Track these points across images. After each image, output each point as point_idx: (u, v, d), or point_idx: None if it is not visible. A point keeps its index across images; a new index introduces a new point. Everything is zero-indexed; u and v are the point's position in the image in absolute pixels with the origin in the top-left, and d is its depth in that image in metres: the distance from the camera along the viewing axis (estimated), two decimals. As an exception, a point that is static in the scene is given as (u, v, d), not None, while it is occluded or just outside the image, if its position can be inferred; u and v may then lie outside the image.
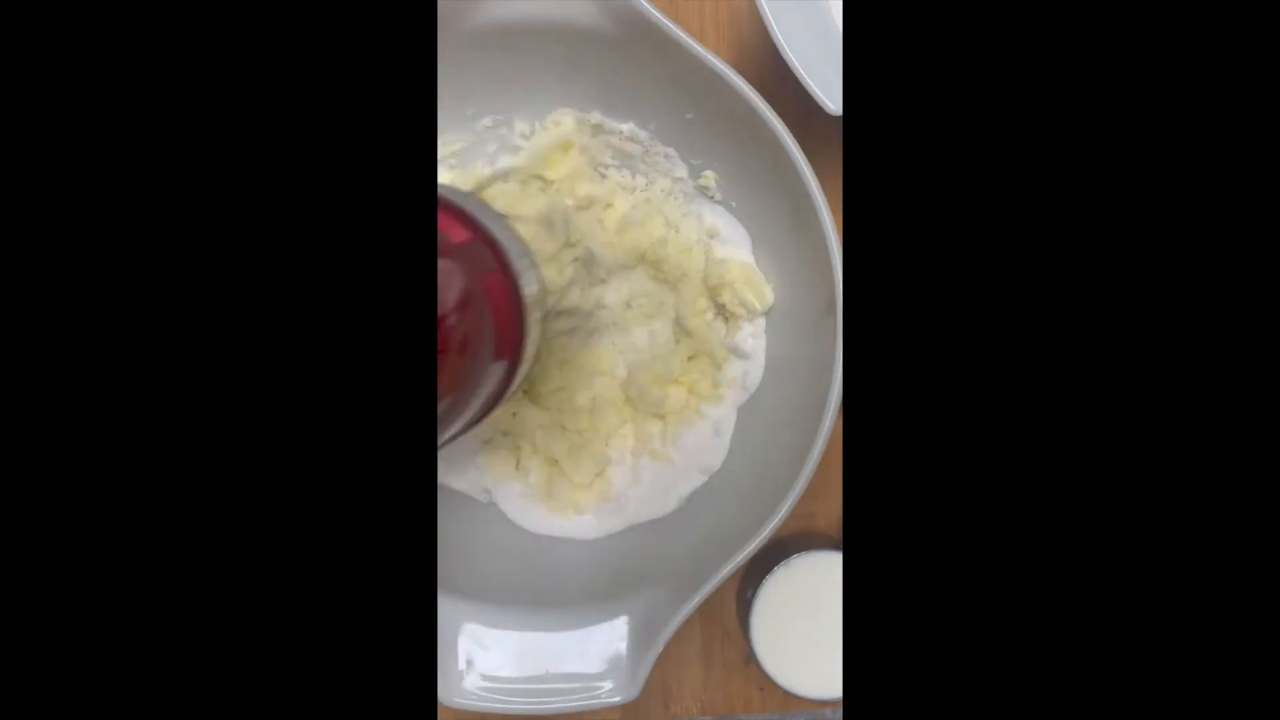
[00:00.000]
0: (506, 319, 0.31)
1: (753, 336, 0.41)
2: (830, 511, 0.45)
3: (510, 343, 0.32)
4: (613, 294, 0.41)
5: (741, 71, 0.34)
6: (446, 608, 0.36)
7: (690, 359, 0.42)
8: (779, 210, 0.37)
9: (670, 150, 0.40)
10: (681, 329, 0.41)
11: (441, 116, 0.39)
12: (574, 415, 0.41)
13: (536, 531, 0.41)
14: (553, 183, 0.41)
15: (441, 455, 0.40)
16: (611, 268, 0.41)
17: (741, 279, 0.40)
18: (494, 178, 0.40)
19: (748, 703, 0.46)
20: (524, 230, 0.36)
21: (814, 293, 0.36)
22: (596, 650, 0.35)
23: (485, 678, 0.34)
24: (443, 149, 0.41)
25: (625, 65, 0.37)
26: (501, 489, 0.42)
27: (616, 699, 0.34)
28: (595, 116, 0.40)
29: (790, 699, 0.44)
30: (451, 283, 0.28)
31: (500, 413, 0.38)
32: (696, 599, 0.33)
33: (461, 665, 0.35)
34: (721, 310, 0.41)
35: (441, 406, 0.28)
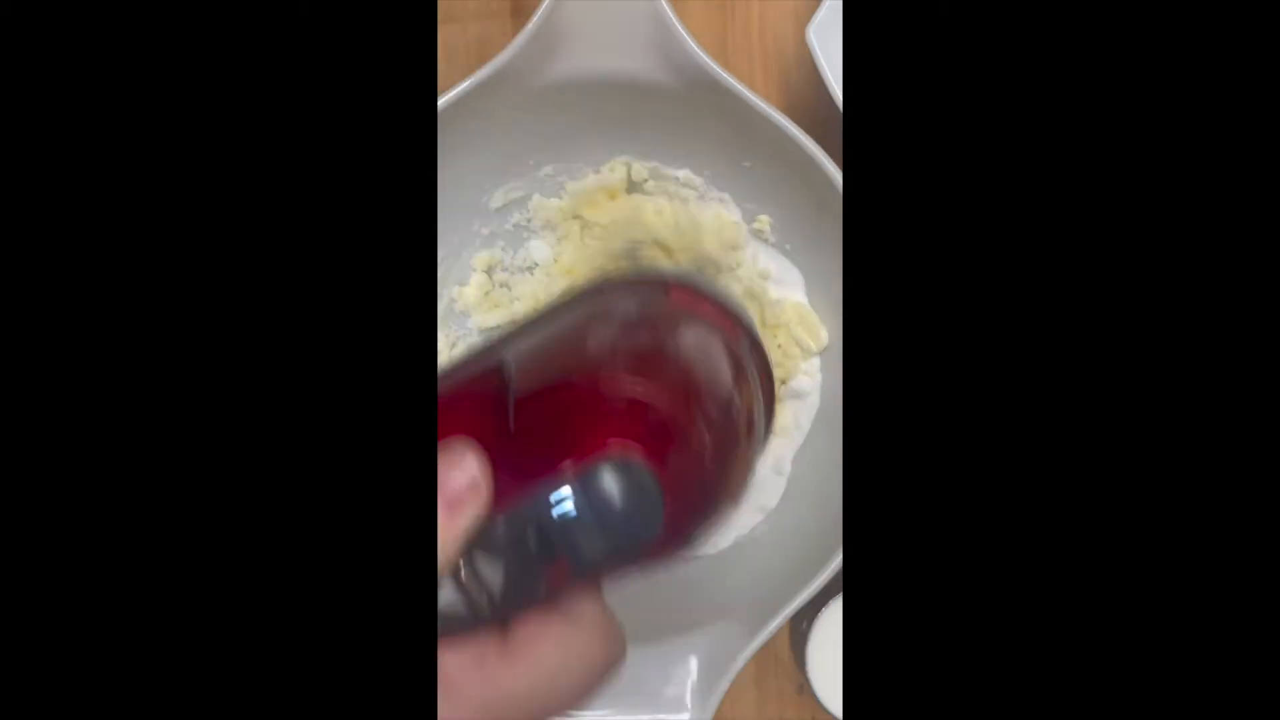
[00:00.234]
0: (768, 391, 0.31)
1: (807, 375, 0.42)
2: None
3: (769, 412, 0.32)
4: None
5: (791, 114, 0.36)
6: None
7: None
8: (833, 251, 0.39)
9: (725, 195, 0.41)
10: None
11: (504, 166, 0.41)
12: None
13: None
14: (591, 225, 0.43)
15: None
16: None
17: (796, 319, 0.41)
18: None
19: (801, 730, 0.47)
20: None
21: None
22: (665, 683, 0.36)
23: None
24: (505, 195, 0.42)
25: (683, 116, 0.38)
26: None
27: None
28: (651, 163, 0.41)
29: (844, 728, 0.44)
30: (723, 365, 0.28)
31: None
32: (765, 633, 0.34)
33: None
34: (777, 351, 0.42)
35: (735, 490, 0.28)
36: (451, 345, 0.44)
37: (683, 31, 0.35)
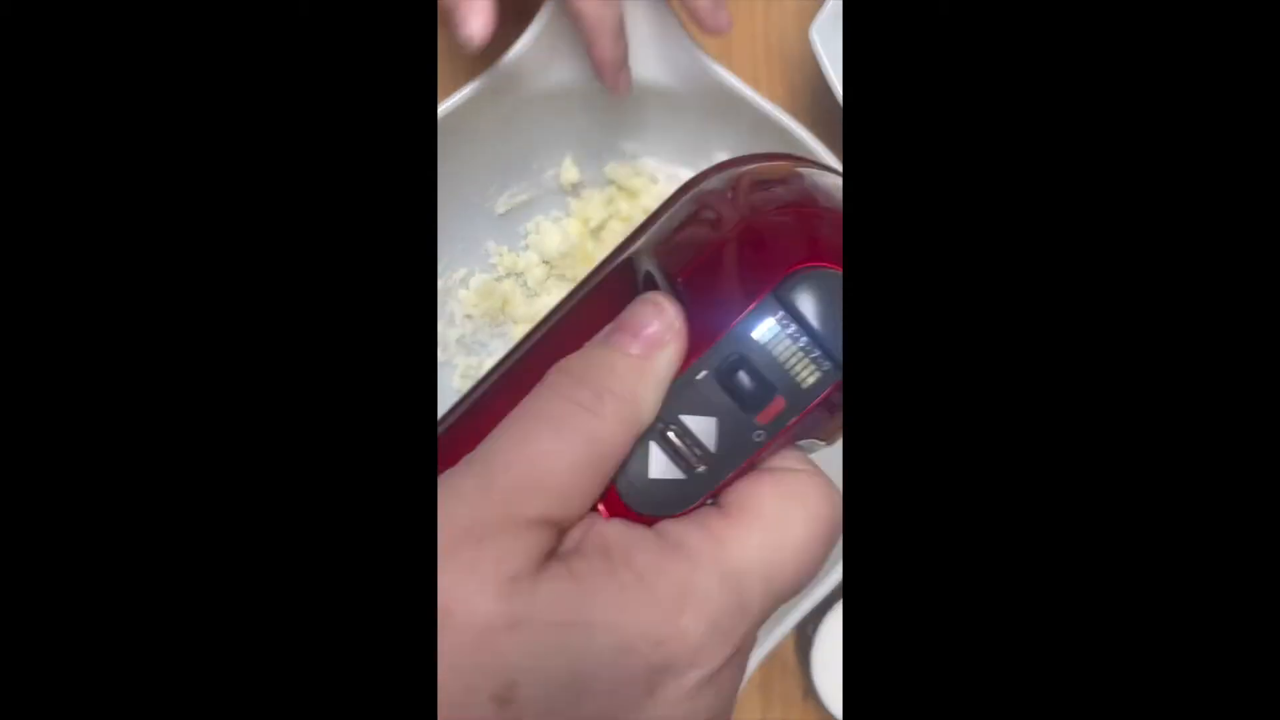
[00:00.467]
0: None
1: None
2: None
3: None
4: None
5: (795, 114, 0.36)
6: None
7: None
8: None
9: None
10: None
11: (509, 170, 0.41)
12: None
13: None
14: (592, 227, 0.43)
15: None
16: None
17: None
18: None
19: (806, 735, 0.46)
20: None
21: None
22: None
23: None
24: (509, 199, 0.42)
25: (687, 117, 0.38)
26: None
27: None
28: (649, 164, 0.41)
29: (849, 732, 0.44)
30: None
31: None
32: (774, 637, 0.34)
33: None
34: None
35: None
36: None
37: (685, 33, 0.35)
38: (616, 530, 0.21)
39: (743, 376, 0.22)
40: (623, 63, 0.34)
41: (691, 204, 0.27)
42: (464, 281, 0.43)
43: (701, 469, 0.22)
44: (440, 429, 0.26)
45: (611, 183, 0.43)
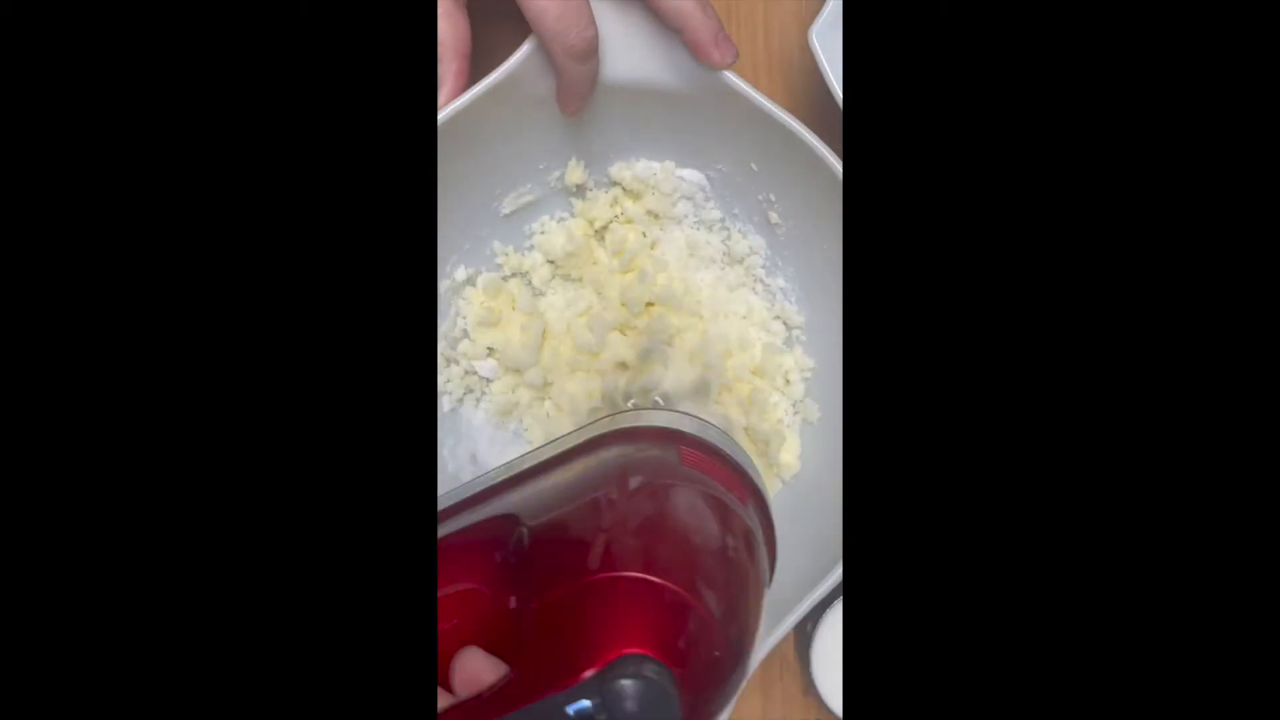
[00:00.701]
0: (770, 544, 0.31)
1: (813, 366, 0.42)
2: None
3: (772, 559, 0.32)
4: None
5: (794, 116, 0.36)
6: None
7: (754, 372, 0.44)
8: (835, 253, 0.39)
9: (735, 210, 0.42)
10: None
11: (515, 170, 0.41)
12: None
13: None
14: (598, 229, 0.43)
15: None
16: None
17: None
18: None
19: (806, 732, 0.47)
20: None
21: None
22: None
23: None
24: (515, 200, 0.43)
25: (691, 120, 0.38)
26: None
27: None
28: (653, 166, 0.42)
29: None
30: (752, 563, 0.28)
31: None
32: (777, 634, 0.34)
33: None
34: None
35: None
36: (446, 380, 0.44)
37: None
38: None
39: None
40: (589, 91, 0.36)
41: (587, 470, 0.30)
42: (471, 280, 0.44)
43: None
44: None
45: (616, 184, 0.43)
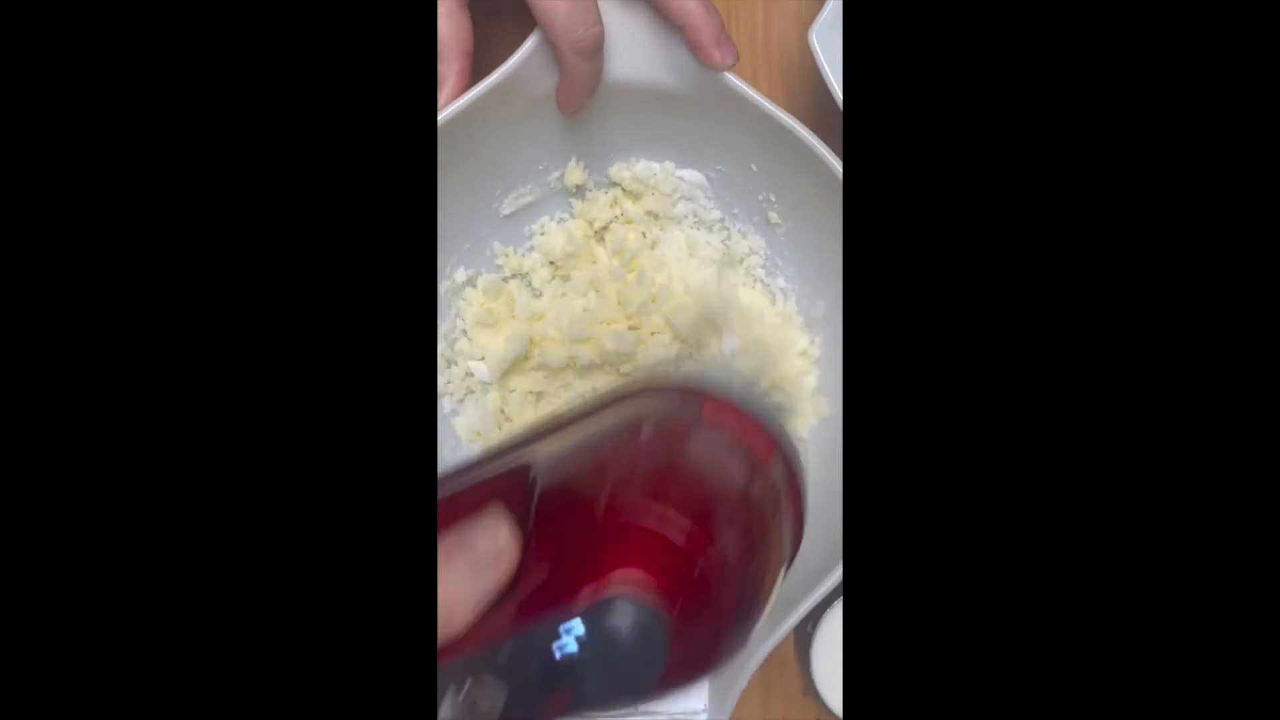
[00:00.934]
0: (797, 515, 0.31)
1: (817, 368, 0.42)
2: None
3: (797, 543, 0.31)
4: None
5: (794, 116, 0.36)
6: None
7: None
8: (835, 254, 0.39)
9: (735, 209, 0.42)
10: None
11: (516, 170, 0.41)
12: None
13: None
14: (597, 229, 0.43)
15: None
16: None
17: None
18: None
19: (806, 733, 0.47)
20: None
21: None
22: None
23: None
24: (515, 200, 0.43)
25: (691, 120, 0.38)
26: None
27: None
28: (653, 167, 0.42)
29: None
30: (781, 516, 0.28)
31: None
32: (781, 631, 0.35)
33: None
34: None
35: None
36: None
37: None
38: None
39: (537, 669, 0.24)
40: (589, 93, 0.36)
41: (607, 422, 0.30)
42: (471, 281, 0.44)
43: None
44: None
45: (615, 185, 0.43)
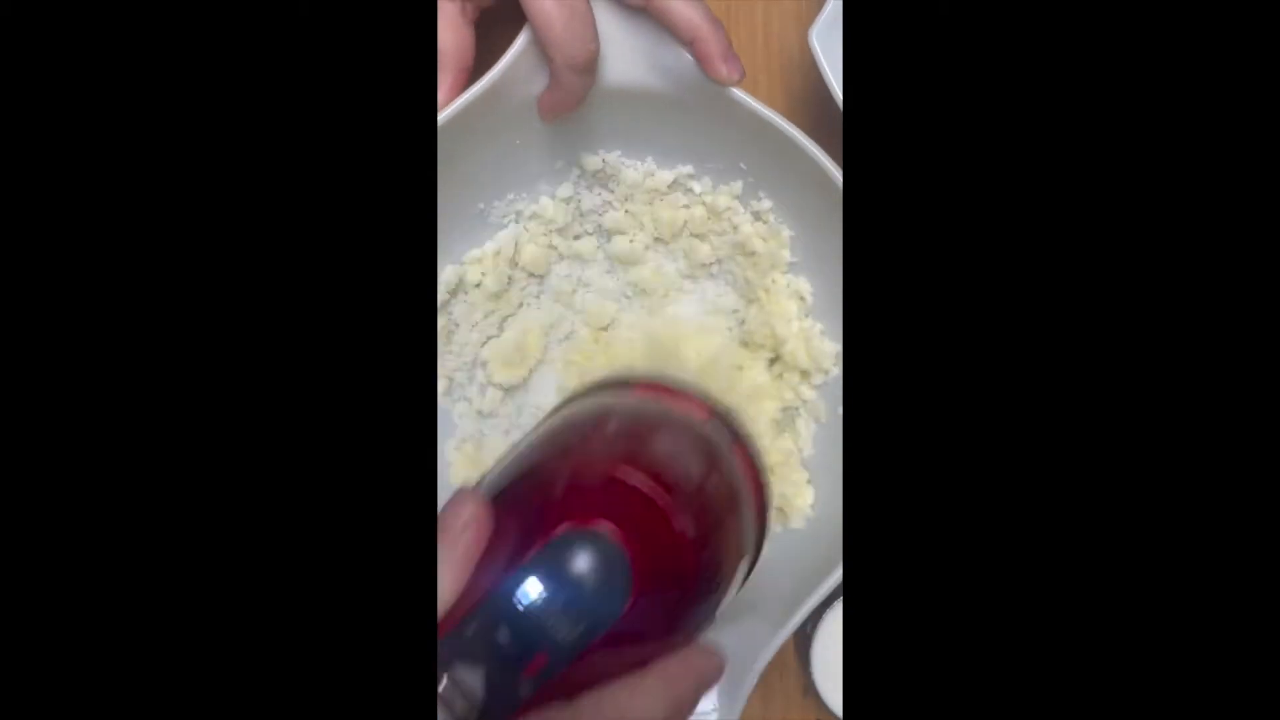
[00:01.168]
0: (753, 476, 0.32)
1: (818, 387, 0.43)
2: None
3: (760, 498, 0.32)
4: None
5: (794, 117, 0.36)
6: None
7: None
8: (835, 256, 0.39)
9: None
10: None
11: (506, 174, 0.41)
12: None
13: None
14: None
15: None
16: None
17: (802, 345, 0.42)
18: None
19: (807, 733, 0.47)
20: None
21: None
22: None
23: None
24: (506, 204, 0.43)
25: (686, 122, 0.38)
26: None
27: None
28: (649, 164, 0.42)
29: (849, 730, 0.44)
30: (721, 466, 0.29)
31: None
32: (789, 627, 0.35)
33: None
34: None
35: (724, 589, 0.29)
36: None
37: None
38: None
39: (505, 634, 0.24)
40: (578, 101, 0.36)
41: (545, 425, 0.31)
42: (464, 285, 0.43)
43: (470, 717, 0.24)
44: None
45: (607, 188, 0.43)
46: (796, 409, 0.43)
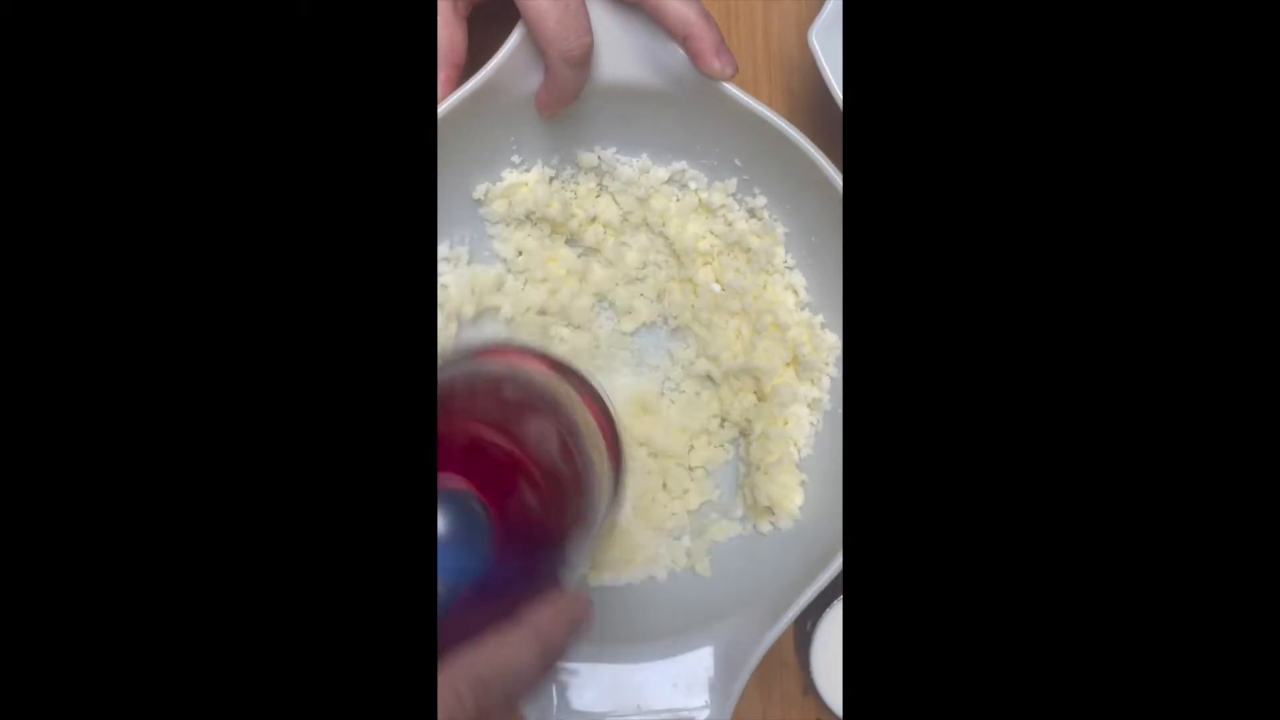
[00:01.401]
0: (606, 424, 0.33)
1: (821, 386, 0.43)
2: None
3: (615, 450, 0.33)
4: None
5: (794, 118, 0.36)
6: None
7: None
8: (834, 257, 0.39)
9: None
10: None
11: (500, 166, 0.41)
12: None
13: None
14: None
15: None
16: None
17: (806, 337, 0.42)
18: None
19: (806, 732, 0.47)
20: None
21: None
22: (685, 681, 0.37)
23: (576, 713, 0.36)
24: (501, 197, 0.42)
25: (683, 119, 0.38)
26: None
27: None
28: (643, 160, 0.42)
29: (849, 729, 0.44)
30: (559, 419, 0.30)
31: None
32: (780, 625, 0.35)
33: (554, 699, 0.37)
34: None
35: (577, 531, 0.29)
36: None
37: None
38: None
39: None
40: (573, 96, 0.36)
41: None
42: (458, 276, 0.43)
43: None
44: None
45: (601, 183, 0.43)
46: (797, 410, 0.43)
